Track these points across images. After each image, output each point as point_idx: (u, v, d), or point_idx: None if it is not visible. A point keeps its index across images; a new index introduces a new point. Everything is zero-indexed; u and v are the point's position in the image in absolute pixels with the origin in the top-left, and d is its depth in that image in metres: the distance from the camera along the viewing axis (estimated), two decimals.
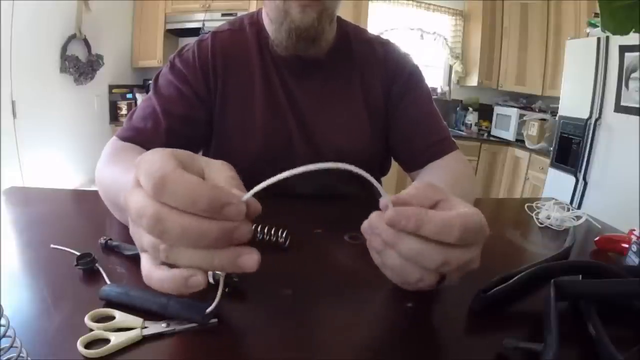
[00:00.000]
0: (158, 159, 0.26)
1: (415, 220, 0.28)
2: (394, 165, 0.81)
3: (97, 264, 0.39)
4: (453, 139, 0.72)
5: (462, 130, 3.56)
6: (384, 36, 0.78)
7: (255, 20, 0.70)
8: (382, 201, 0.30)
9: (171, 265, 0.27)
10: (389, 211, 0.29)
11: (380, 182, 0.85)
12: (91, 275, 0.39)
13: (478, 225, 0.30)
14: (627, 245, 0.52)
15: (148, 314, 0.33)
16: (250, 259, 0.26)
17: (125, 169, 0.50)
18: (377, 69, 0.71)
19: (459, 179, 0.63)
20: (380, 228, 0.30)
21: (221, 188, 0.25)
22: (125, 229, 0.50)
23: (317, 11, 0.58)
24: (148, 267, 0.28)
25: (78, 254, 0.40)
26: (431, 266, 0.29)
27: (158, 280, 0.27)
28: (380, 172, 0.81)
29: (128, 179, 0.45)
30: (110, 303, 0.34)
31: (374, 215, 0.31)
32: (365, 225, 0.31)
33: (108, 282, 0.37)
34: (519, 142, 3.11)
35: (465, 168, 0.68)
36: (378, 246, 0.31)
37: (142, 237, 0.27)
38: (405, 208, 0.29)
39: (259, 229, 0.47)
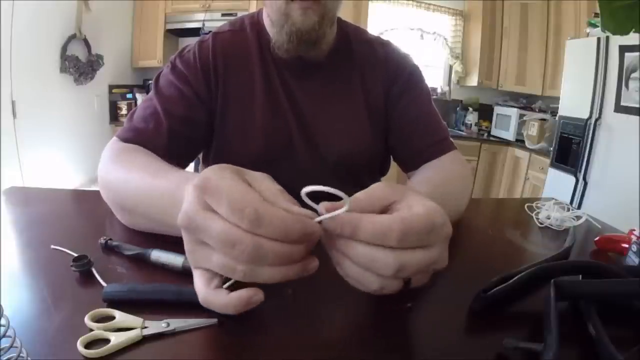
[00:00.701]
0: (235, 187, 0.28)
1: (349, 226, 0.28)
2: (394, 166, 0.80)
3: (92, 267, 0.39)
4: (452, 139, 0.71)
5: (462, 130, 3.56)
6: (384, 36, 0.78)
7: (256, 20, 0.70)
8: (320, 210, 0.30)
9: (229, 286, 0.29)
10: (325, 219, 0.29)
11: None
12: (91, 275, 0.39)
13: (426, 225, 0.29)
14: (627, 245, 0.52)
15: (160, 305, 0.34)
16: (314, 264, 0.30)
17: (127, 169, 0.50)
18: (377, 70, 0.71)
19: (450, 179, 0.62)
20: (333, 238, 0.30)
21: (304, 219, 0.28)
22: (125, 229, 0.50)
23: (319, 14, 0.58)
24: (205, 290, 0.29)
25: (76, 255, 0.40)
26: (386, 273, 0.28)
27: (222, 305, 0.29)
28: (380, 172, 0.81)
29: (140, 178, 0.46)
30: (113, 302, 0.34)
31: None
32: (323, 238, 0.31)
33: (104, 284, 0.36)
34: (519, 142, 3.11)
35: (461, 168, 0.68)
36: (337, 258, 0.31)
37: (209, 257, 0.28)
38: (341, 215, 0.29)
39: None
